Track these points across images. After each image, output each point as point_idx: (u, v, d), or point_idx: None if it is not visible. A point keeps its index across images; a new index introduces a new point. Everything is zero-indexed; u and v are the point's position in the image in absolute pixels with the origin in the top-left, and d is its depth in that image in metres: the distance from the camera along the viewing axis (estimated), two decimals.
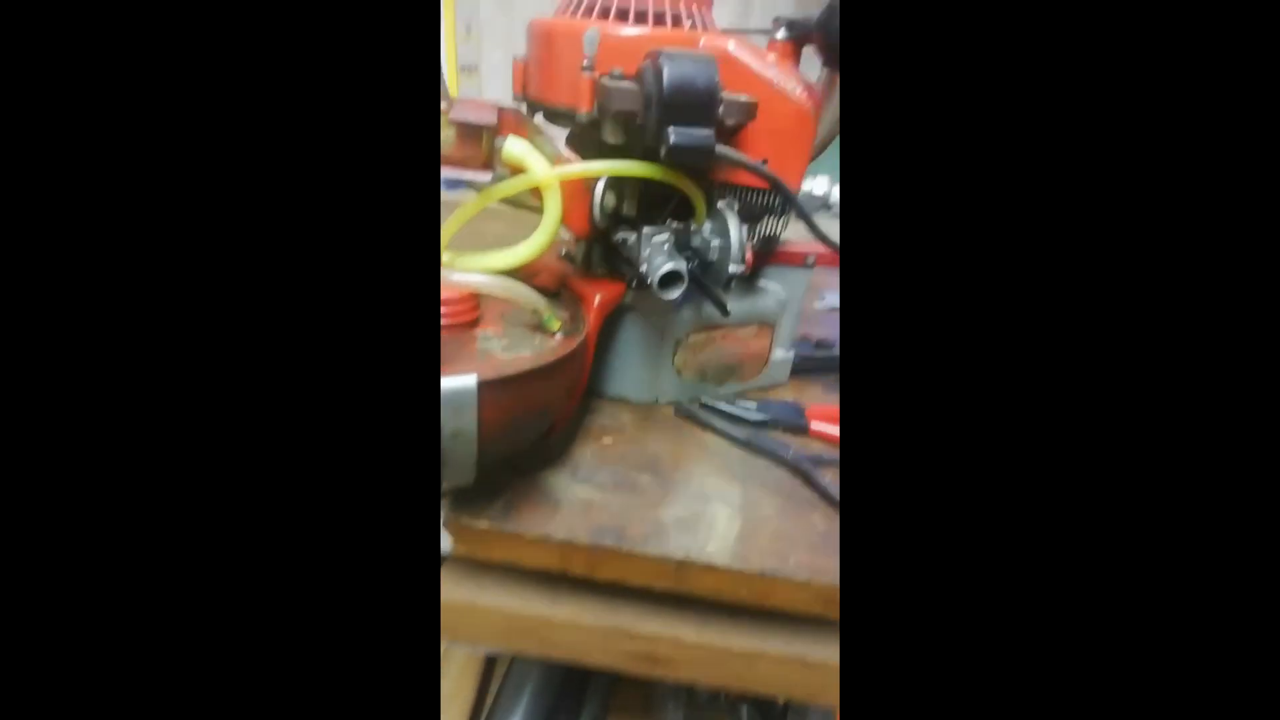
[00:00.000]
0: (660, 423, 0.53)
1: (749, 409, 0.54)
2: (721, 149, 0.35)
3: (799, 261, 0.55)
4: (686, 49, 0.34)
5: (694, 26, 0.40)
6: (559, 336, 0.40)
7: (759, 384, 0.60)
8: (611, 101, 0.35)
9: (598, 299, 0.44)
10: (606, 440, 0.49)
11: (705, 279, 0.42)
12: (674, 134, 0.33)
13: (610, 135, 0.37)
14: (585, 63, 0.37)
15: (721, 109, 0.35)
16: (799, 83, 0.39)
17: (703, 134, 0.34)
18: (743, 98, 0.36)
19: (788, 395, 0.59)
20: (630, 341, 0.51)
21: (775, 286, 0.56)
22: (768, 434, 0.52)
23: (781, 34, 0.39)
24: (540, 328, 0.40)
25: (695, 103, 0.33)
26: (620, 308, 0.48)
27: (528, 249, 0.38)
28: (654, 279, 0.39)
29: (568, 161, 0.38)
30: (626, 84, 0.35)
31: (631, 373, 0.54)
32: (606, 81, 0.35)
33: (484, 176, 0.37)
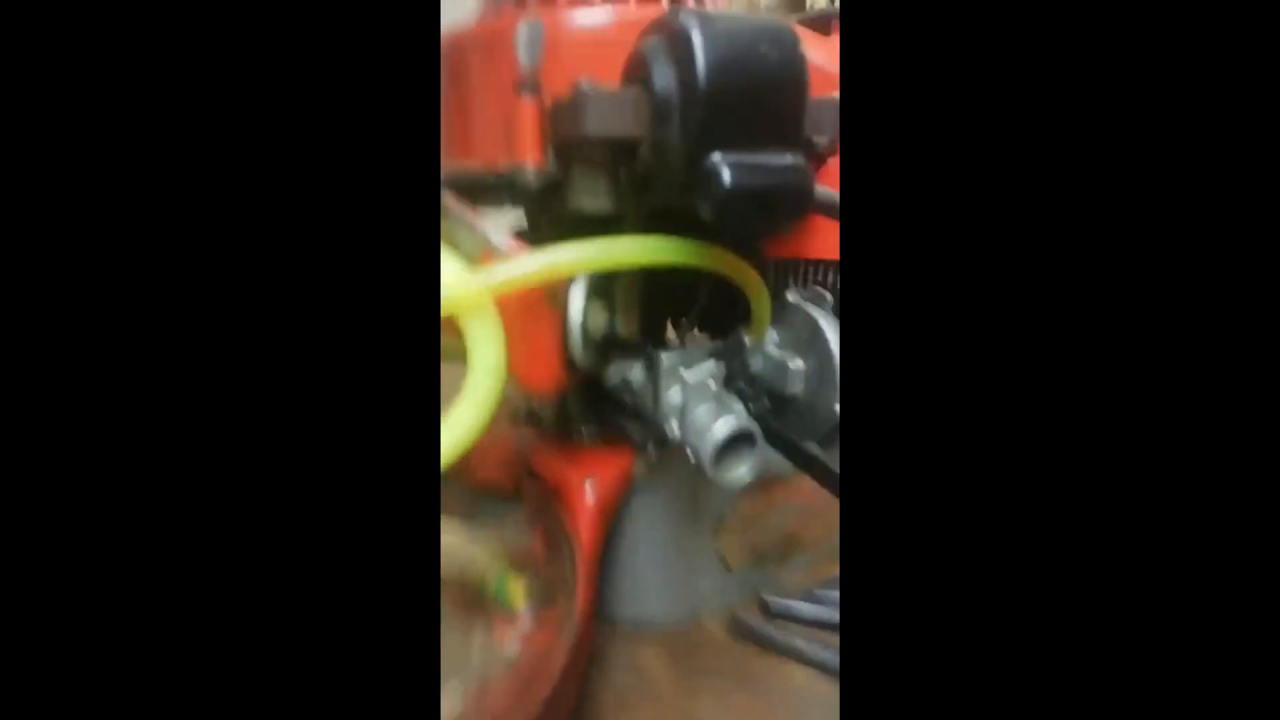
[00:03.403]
0: (709, 657, 0.32)
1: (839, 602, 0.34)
2: (825, 193, 0.17)
3: None
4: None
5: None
6: (524, 619, 0.19)
7: (832, 548, 0.40)
8: (590, 121, 0.17)
9: (592, 493, 0.24)
10: None
11: (786, 429, 0.23)
12: (728, 169, 0.16)
13: (587, 196, 0.20)
14: (524, 78, 0.20)
15: (807, 118, 0.17)
16: None
17: (786, 165, 0.16)
18: (837, 97, 0.19)
19: None
20: (647, 537, 0.31)
21: None
22: None
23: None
24: (492, 603, 0.19)
25: (766, 105, 0.16)
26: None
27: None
28: (707, 455, 0.20)
29: (509, 257, 0.19)
30: (616, 91, 0.18)
31: (653, 583, 0.33)
32: (584, 88, 0.18)
33: None
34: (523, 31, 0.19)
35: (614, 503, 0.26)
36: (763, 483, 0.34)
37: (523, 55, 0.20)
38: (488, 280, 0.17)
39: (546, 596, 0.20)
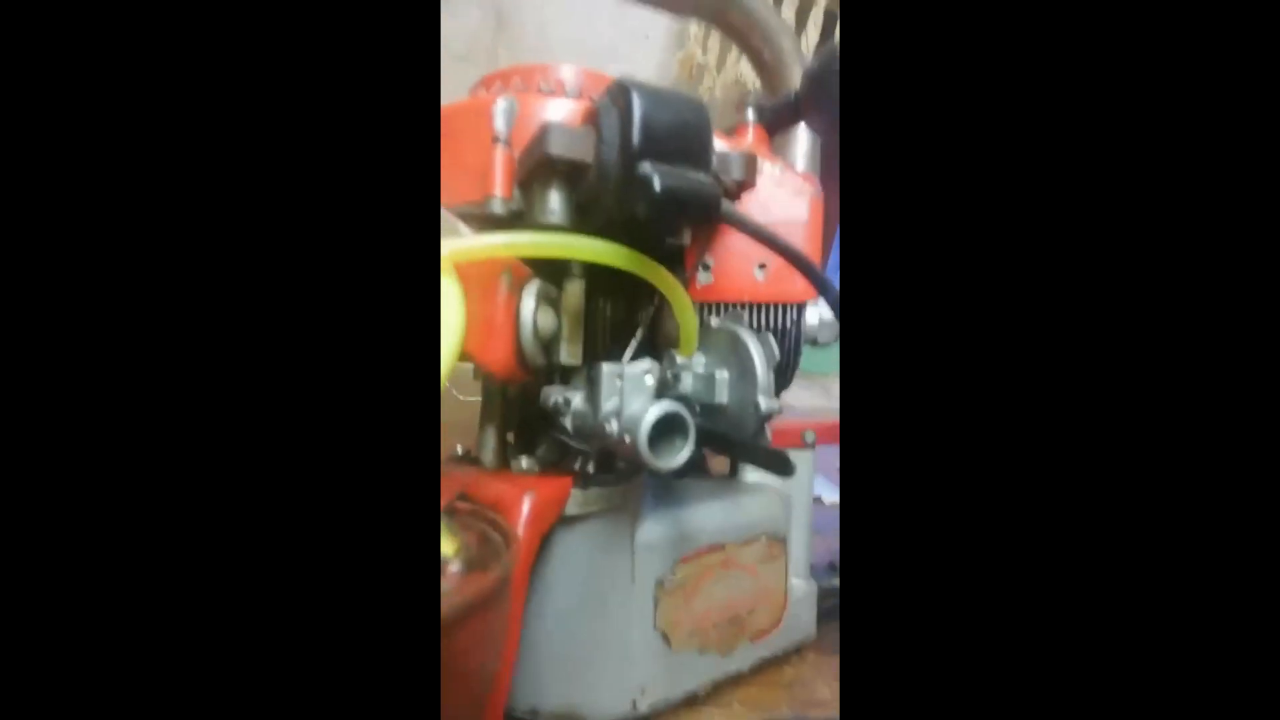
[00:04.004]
0: None
1: None
2: (731, 208, 0.22)
3: (795, 441, 0.40)
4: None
5: None
6: (455, 569, 0.19)
7: (780, 645, 0.38)
8: (551, 145, 0.22)
9: (528, 502, 0.25)
10: None
11: (720, 429, 0.25)
12: (658, 174, 0.21)
13: (542, 209, 0.24)
14: (499, 135, 0.25)
15: (716, 162, 0.23)
16: (788, 168, 0.30)
17: (701, 178, 0.22)
18: (741, 152, 0.25)
19: (822, 671, 0.38)
20: (575, 594, 0.29)
21: (771, 480, 0.40)
22: None
23: (751, 116, 0.31)
24: None
25: (682, 140, 0.22)
26: (556, 527, 0.28)
27: None
28: (640, 436, 0.22)
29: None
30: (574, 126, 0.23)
31: (584, 659, 0.30)
32: (548, 124, 0.23)
33: None
34: (500, 104, 0.26)
35: (552, 516, 0.26)
36: (705, 547, 0.34)
37: (499, 122, 0.26)
38: (451, 248, 0.21)
39: (478, 561, 0.19)
